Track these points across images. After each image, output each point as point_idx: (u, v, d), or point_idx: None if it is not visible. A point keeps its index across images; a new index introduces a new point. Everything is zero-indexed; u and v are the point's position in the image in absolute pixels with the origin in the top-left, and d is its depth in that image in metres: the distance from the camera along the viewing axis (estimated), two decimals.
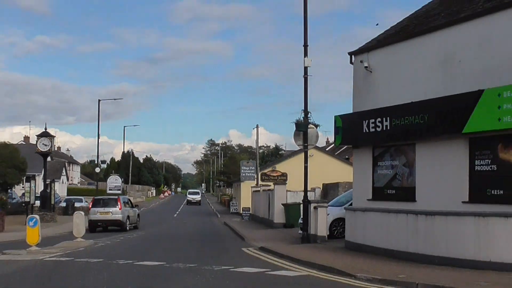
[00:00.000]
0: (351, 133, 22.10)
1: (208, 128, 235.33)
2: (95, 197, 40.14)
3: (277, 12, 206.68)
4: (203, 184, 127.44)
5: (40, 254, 20.38)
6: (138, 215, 39.26)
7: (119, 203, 35.20)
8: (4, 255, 20.04)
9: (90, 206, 36.20)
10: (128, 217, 35.44)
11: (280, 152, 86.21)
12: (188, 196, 79.32)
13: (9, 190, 46.96)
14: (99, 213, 34.70)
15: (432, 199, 18.17)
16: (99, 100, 59.92)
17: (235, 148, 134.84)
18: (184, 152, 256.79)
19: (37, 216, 23.60)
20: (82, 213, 27.53)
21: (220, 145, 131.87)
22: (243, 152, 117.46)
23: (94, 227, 34.64)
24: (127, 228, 34.86)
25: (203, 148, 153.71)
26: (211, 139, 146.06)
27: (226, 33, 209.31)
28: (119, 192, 65.28)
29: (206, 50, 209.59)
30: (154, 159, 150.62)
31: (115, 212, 33.91)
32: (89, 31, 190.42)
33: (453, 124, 17.27)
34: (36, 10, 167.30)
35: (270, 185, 41.40)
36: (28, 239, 21.53)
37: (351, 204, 22.81)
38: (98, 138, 56.29)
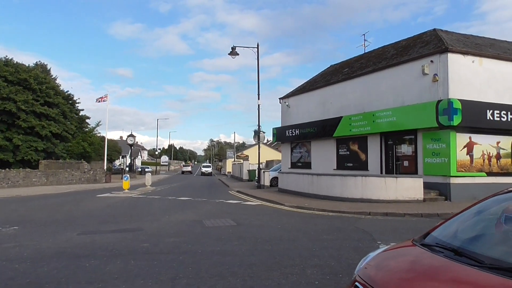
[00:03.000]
0: (281, 136, 25.59)
1: (209, 133, 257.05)
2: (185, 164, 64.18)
3: (243, 78, 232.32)
4: (207, 160, 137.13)
5: (129, 193, 23.61)
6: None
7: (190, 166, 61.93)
8: (112, 194, 23.38)
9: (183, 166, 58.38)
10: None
11: (245, 145, 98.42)
12: (202, 168, 69.29)
13: (112, 162, 58.05)
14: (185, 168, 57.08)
15: (319, 168, 21.67)
16: (157, 119, 77.89)
17: (223, 142, 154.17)
18: (198, 144, 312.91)
19: (128, 175, 26.64)
20: (150, 173, 31.63)
21: (216, 141, 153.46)
22: (227, 145, 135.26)
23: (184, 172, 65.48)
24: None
25: (207, 143, 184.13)
26: (211, 139, 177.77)
27: (217, 88, 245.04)
28: (167, 164, 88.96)
29: (207, 96, 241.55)
30: (183, 147, 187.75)
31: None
32: (152, 86, 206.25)
33: (329, 132, 21.18)
34: (125, 75, 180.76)
35: (241, 161, 47.07)
36: (123, 186, 24.82)
37: (280, 170, 25.68)
38: (157, 137, 61.98)
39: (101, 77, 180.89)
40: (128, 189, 24.87)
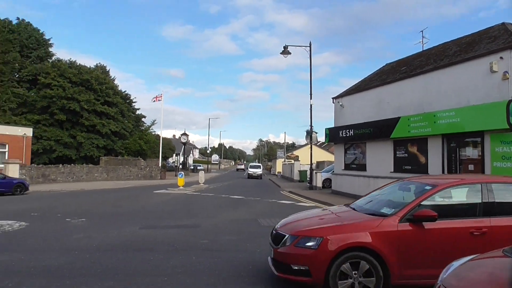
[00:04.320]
0: (334, 136, 25.14)
1: (257, 132, 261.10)
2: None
3: (292, 77, 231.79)
4: (256, 160, 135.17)
5: (184, 190, 24.29)
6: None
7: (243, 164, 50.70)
8: (167, 190, 24.13)
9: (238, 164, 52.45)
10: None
11: (294, 145, 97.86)
12: (249, 169, 50.66)
13: (166, 160, 58.14)
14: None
15: (375, 170, 20.31)
16: (209, 119, 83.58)
17: (272, 142, 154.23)
18: (247, 144, 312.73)
19: (183, 172, 27.43)
20: (203, 171, 32.58)
21: (265, 141, 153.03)
22: (276, 145, 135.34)
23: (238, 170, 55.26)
24: None
25: (256, 143, 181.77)
26: (260, 138, 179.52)
27: (266, 87, 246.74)
28: (217, 163, 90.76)
29: (256, 96, 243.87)
30: (232, 146, 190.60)
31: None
32: (202, 86, 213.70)
33: (385, 133, 20.18)
34: (177, 75, 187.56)
35: (291, 161, 46.91)
36: (178, 183, 25.60)
37: (333, 172, 24.99)
38: (209, 136, 64.63)
39: (154, 77, 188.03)
40: (182, 186, 25.62)
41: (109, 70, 52.80)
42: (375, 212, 5.54)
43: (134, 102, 51.23)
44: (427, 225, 5.04)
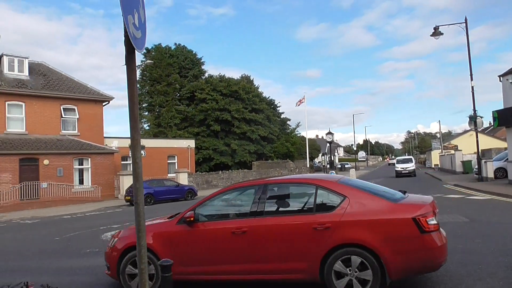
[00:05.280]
0: (505, 119, 22.43)
1: (404, 124, 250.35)
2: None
3: (440, 60, 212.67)
4: (405, 153, 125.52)
5: None
6: None
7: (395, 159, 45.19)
8: None
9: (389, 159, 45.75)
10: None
11: (451, 134, 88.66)
12: (397, 165, 37.68)
13: (313, 160, 58.18)
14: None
15: None
16: (353, 115, 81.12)
17: (422, 133, 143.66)
18: (393, 137, 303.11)
19: (334, 171, 28.26)
20: (353, 169, 32.33)
21: (414, 132, 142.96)
22: (427, 135, 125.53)
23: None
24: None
25: (404, 135, 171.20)
26: (408, 130, 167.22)
27: (410, 75, 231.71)
28: (364, 159, 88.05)
29: (399, 86, 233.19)
30: (378, 142, 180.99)
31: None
32: (339, 83, 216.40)
33: None
34: (313, 75, 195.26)
35: (450, 152, 42.68)
36: None
37: (505, 160, 22.78)
38: (354, 133, 64.82)
39: (291, 81, 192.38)
40: None
41: (252, 79, 56.18)
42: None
43: (279, 106, 53.42)
44: (197, 226, 5.44)
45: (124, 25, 3.11)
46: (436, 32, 24.71)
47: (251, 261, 5.14)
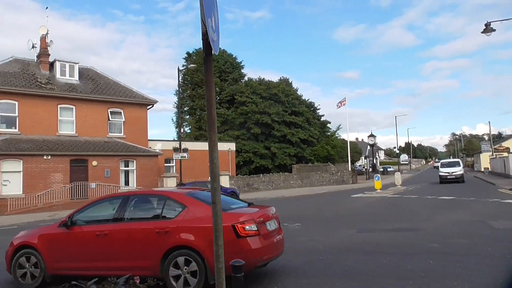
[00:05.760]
0: None
1: (448, 126, 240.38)
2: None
3: (485, 58, 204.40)
4: (450, 156, 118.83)
5: (382, 193, 23.86)
6: None
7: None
8: (365, 194, 23.92)
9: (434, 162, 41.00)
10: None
11: (501, 136, 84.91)
12: (442, 170, 32.22)
13: (354, 163, 55.67)
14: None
15: None
16: (395, 117, 72.98)
17: (468, 135, 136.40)
18: (436, 140, 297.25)
19: (379, 175, 26.89)
20: (399, 173, 31.00)
21: (459, 134, 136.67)
22: (473, 137, 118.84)
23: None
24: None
25: (448, 137, 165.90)
26: (452, 132, 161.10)
27: (453, 75, 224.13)
28: (407, 163, 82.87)
29: (442, 86, 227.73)
30: (421, 144, 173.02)
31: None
32: (379, 84, 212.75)
33: None
34: (352, 77, 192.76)
35: (503, 155, 40.77)
36: (375, 186, 25.16)
37: None
38: (397, 135, 63.55)
39: (329, 83, 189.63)
40: (380, 189, 25.01)
41: (291, 82, 56.02)
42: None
43: (318, 109, 52.96)
44: (73, 229, 6.54)
45: (203, 28, 3.20)
46: (488, 29, 23.57)
47: (110, 259, 6.18)
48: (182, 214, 5.97)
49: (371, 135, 47.18)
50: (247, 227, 5.68)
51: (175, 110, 50.65)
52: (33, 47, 28.33)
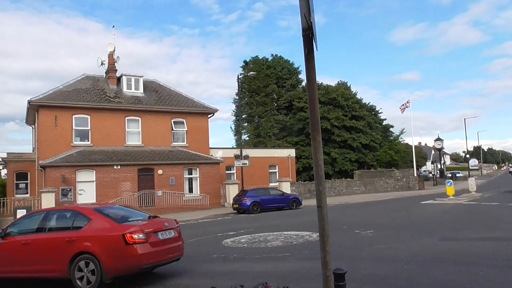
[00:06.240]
0: None
1: None
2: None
3: None
4: None
5: (456, 200, 22.65)
6: None
7: None
8: (436, 201, 22.71)
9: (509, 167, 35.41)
10: None
11: None
12: None
13: (419, 169, 52.04)
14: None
15: None
16: (464, 119, 67.79)
17: None
18: (508, 143, 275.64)
19: (451, 181, 25.21)
20: (473, 178, 29.31)
21: None
22: None
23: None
24: None
25: None
26: None
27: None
28: (477, 168, 76.65)
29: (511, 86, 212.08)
30: (492, 148, 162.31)
31: None
32: (441, 85, 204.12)
33: None
34: (412, 78, 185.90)
35: None
36: (448, 192, 23.70)
37: None
38: (466, 139, 60.65)
39: (387, 85, 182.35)
40: (453, 196, 23.55)
41: (350, 85, 54.76)
42: None
43: (380, 112, 51.30)
44: (7, 239, 7.89)
45: (304, 23, 3.08)
46: None
47: (32, 263, 7.41)
48: (87, 226, 7.30)
49: (438, 139, 44.91)
50: (135, 236, 6.96)
51: (231, 118, 51.40)
52: (102, 64, 30.04)
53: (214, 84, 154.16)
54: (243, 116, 48.74)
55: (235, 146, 44.76)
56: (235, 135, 51.35)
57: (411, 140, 47.83)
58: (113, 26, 31.77)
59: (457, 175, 59.18)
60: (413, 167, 44.26)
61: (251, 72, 33.78)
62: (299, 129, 44.58)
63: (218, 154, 31.65)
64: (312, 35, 3.06)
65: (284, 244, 10.86)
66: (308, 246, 10.32)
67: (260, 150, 37.26)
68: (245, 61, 51.07)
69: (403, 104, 42.27)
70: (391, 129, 52.65)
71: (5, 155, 28.83)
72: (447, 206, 19.90)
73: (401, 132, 54.40)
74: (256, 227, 15.28)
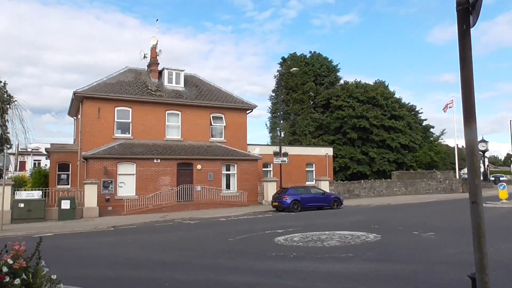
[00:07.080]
0: None
1: None
2: None
3: None
4: None
5: (510, 204, 21.38)
6: None
7: None
8: (487, 204, 21.04)
9: None
10: None
11: None
12: None
13: (460, 171, 47.05)
14: None
15: None
16: (510, 120, 65.11)
17: None
18: None
19: (504, 184, 24.19)
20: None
21: None
22: None
23: None
24: None
25: None
26: None
27: None
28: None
29: None
30: None
31: None
32: (482, 87, 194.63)
33: None
34: (449, 80, 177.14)
35: None
36: (500, 196, 22.67)
37: None
38: None
39: (422, 87, 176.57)
40: (506, 199, 22.42)
41: (388, 85, 53.42)
42: None
43: (420, 113, 49.85)
44: None
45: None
46: None
47: None
48: None
49: (483, 140, 43.18)
50: None
51: (263, 115, 50.94)
52: (144, 57, 30.34)
53: (246, 81, 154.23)
54: (279, 113, 48.36)
55: (269, 143, 44.45)
56: (270, 132, 51.04)
57: (452, 141, 46.09)
58: (157, 20, 31.69)
59: (501, 178, 56.83)
60: (453, 169, 42.80)
61: (294, 68, 33.22)
62: (336, 127, 43.86)
63: (256, 151, 31.44)
64: (473, 8, 2.69)
65: (342, 244, 10.47)
66: (369, 247, 9.91)
67: (297, 147, 36.81)
68: (283, 58, 50.66)
69: (446, 104, 40.86)
70: (431, 129, 51.11)
71: (48, 146, 29.55)
72: (503, 210, 18.95)
73: (442, 133, 52.78)
74: (302, 226, 14.95)
